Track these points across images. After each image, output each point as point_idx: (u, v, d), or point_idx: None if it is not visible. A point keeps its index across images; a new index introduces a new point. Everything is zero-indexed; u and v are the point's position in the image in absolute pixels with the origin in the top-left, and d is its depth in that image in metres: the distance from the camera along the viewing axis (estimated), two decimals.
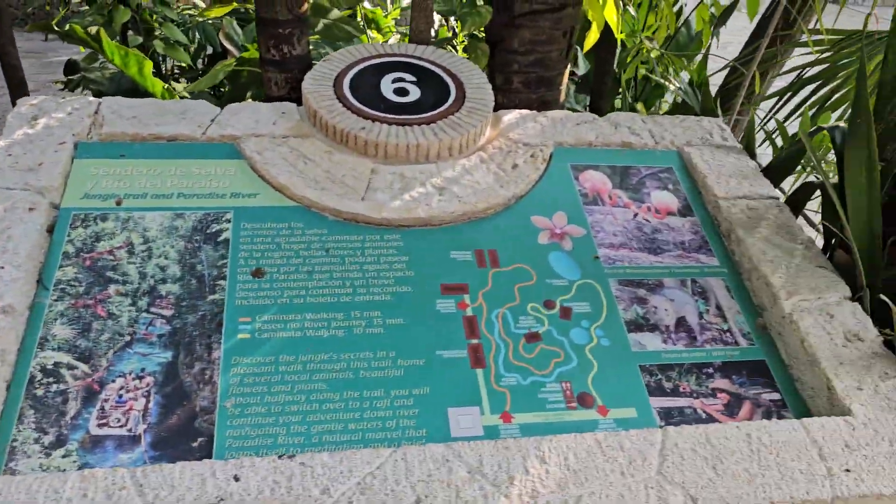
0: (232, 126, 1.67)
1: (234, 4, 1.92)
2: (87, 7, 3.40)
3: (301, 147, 1.64)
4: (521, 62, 2.14)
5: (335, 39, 2.11)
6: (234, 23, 3.08)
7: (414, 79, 1.83)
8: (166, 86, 2.50)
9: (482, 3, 2.17)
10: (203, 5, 4.30)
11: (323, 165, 1.61)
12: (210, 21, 3.59)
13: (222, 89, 3.12)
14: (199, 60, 3.75)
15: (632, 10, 2.54)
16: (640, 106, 2.94)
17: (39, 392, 1.20)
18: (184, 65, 3.67)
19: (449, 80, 1.85)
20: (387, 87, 1.80)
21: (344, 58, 1.86)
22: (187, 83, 3.70)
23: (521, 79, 2.17)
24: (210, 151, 1.62)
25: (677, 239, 1.66)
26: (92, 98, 1.68)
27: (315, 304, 1.40)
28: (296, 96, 1.92)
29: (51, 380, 1.22)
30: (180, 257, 1.42)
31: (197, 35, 3.72)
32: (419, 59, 1.90)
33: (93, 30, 2.57)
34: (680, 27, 2.97)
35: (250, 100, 2.54)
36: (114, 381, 1.23)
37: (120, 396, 1.22)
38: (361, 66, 1.84)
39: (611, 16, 2.34)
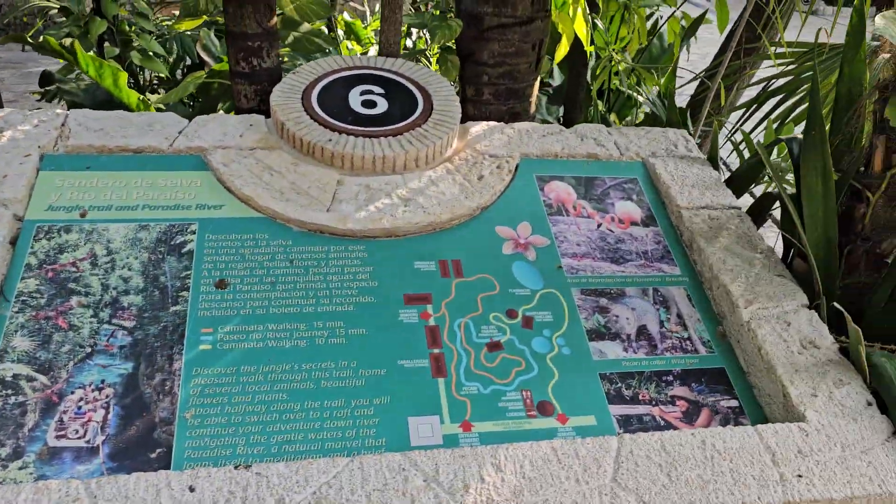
0: (199, 138, 1.69)
1: (204, 17, 1.93)
2: (64, 18, 3.41)
3: (267, 159, 1.66)
4: (491, 74, 2.16)
5: (306, 52, 2.13)
6: (212, 34, 3.09)
7: (382, 91, 1.85)
8: (142, 97, 2.51)
9: (452, 16, 2.19)
10: None
11: (289, 177, 1.62)
12: (188, 32, 3.60)
13: (200, 100, 3.13)
14: (179, 71, 3.75)
15: (599, 22, 2.57)
16: (613, 117, 2.97)
17: None
18: (163, 76, 3.68)
19: (417, 92, 1.87)
20: (355, 99, 1.81)
21: (313, 70, 1.88)
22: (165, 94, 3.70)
23: (491, 90, 2.19)
24: (177, 163, 1.63)
25: (640, 248, 1.69)
26: (59, 111, 1.68)
27: (278, 314, 1.41)
28: (265, 108, 1.94)
29: (9, 392, 1.22)
30: (144, 269, 1.43)
31: (175, 46, 3.73)
32: (388, 71, 1.92)
33: (67, 41, 2.58)
34: (652, 39, 3.01)
35: (221, 112, 2.55)
36: (73, 393, 1.24)
37: (79, 408, 1.22)
38: (330, 78, 1.86)
39: (580, 29, 2.38)
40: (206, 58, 3.02)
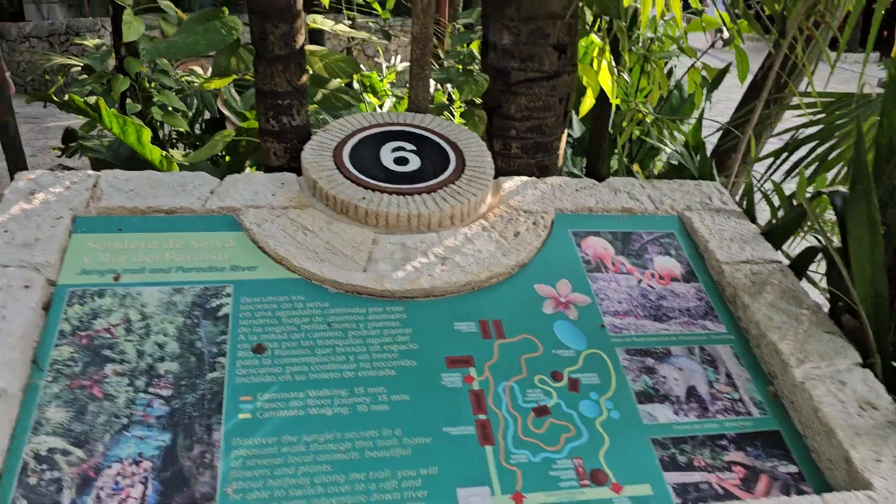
0: (231, 197, 1.67)
1: (234, 77, 1.94)
2: (85, 76, 3.44)
3: (300, 218, 1.63)
4: (519, 128, 2.16)
5: (334, 108, 2.13)
6: (232, 89, 3.11)
7: (413, 148, 1.83)
8: (165, 153, 2.51)
9: (478, 70, 2.20)
10: (200, 70, 4.37)
11: (323, 236, 1.60)
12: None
13: (227, 157, 3.14)
14: (197, 126, 3.78)
15: (626, 76, 2.58)
16: (636, 167, 2.96)
17: (32, 480, 1.15)
18: (182, 130, 3.70)
19: (448, 148, 1.85)
20: (386, 156, 1.80)
21: (343, 127, 1.87)
22: (185, 148, 3.73)
23: (519, 144, 2.18)
24: (209, 224, 1.61)
25: (683, 305, 1.64)
26: (91, 172, 1.67)
27: (318, 380, 1.36)
28: (295, 166, 1.92)
29: (44, 467, 1.17)
30: (179, 334, 1.39)
31: (195, 101, 3.77)
32: (418, 127, 1.91)
33: (91, 99, 2.59)
34: (672, 90, 3.02)
35: (250, 169, 2.55)
36: (110, 467, 1.19)
37: (116, 483, 1.17)
38: (361, 135, 1.85)
39: (605, 81, 2.38)
40: (227, 113, 3.04)
